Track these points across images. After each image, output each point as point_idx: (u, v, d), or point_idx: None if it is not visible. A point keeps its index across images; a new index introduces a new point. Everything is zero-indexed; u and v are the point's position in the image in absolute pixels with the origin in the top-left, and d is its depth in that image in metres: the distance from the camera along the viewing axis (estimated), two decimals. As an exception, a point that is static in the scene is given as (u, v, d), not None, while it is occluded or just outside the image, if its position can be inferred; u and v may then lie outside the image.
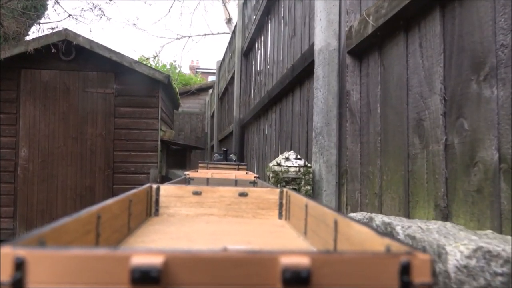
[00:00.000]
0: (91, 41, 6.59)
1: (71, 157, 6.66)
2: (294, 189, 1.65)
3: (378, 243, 0.48)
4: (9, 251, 0.36)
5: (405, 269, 0.38)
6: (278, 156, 3.07)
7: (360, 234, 0.53)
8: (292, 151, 1.72)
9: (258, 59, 4.09)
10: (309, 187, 1.64)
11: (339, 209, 1.67)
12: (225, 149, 3.00)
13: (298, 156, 1.69)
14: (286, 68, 2.84)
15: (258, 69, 4.06)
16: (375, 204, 1.48)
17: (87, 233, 0.61)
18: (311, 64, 2.02)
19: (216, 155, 3.06)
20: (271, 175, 1.67)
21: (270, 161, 3.30)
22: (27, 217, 6.61)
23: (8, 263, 0.36)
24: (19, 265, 0.36)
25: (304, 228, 0.80)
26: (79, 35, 6.53)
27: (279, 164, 1.68)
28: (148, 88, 6.76)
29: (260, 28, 3.85)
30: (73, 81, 6.69)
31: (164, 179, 7.11)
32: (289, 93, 2.80)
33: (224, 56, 6.90)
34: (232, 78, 5.70)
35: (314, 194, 1.68)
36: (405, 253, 0.38)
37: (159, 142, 6.83)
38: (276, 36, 3.15)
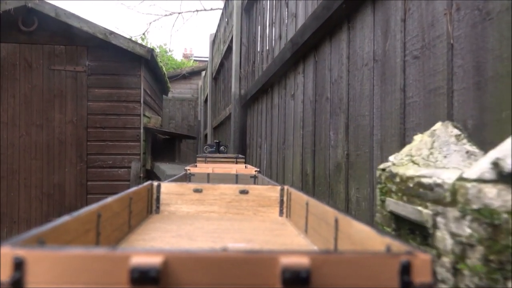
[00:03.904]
0: (56, 8, 5.17)
1: (36, 148, 5.29)
2: None
3: (379, 242, 0.44)
4: (8, 251, 0.35)
5: (406, 269, 0.35)
6: (314, 146, 1.71)
7: (361, 233, 0.50)
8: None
9: (267, 5, 2.71)
10: None
11: None
12: (217, 141, 2.99)
13: None
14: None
15: (268, 21, 2.69)
16: None
17: (87, 231, 0.56)
18: None
19: (207, 147, 2.88)
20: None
21: (294, 155, 1.91)
22: (-18, 221, 5.23)
23: (7, 263, 0.35)
24: (18, 265, 0.35)
25: (305, 226, 0.77)
26: (42, 0, 5.10)
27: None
28: (127, 65, 5.38)
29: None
30: (36, 56, 5.28)
31: (150, 174, 5.74)
32: (341, 26, 1.44)
33: (218, 26, 5.49)
34: (229, 48, 4.32)
35: None
36: (406, 253, 0.36)
37: (142, 130, 5.46)
38: None
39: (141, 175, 5.47)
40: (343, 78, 1.41)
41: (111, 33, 5.23)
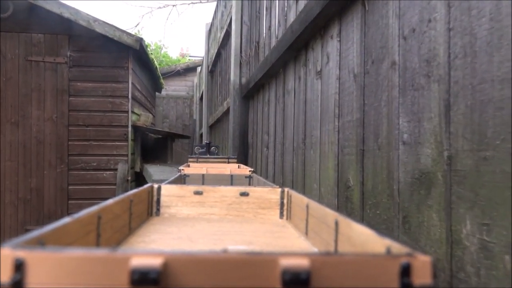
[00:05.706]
0: (34, -9, 4.52)
1: (11, 149, 4.63)
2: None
3: (379, 244, 0.44)
4: (9, 252, 0.34)
5: (406, 271, 0.35)
6: (364, 144, 1.06)
7: (361, 235, 0.49)
8: None
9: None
10: None
11: None
12: (207, 141, 2.74)
13: None
14: None
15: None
16: None
17: (88, 233, 0.55)
18: None
19: (197, 147, 2.67)
20: None
21: (323, 157, 1.25)
22: (-50, 230, 4.56)
23: (7, 264, 0.34)
24: (19, 266, 0.34)
25: (305, 228, 0.75)
26: (17, -17, 4.45)
27: None
28: (114, 57, 4.74)
29: None
30: (11, 46, 4.63)
31: (139, 177, 5.09)
32: None
33: (215, 13, 4.86)
34: (227, 33, 3.69)
35: None
36: (406, 255, 0.36)
37: (130, 129, 4.81)
38: None
39: (129, 178, 4.82)
40: (436, 21, 0.78)
41: (95, 20, 4.58)
